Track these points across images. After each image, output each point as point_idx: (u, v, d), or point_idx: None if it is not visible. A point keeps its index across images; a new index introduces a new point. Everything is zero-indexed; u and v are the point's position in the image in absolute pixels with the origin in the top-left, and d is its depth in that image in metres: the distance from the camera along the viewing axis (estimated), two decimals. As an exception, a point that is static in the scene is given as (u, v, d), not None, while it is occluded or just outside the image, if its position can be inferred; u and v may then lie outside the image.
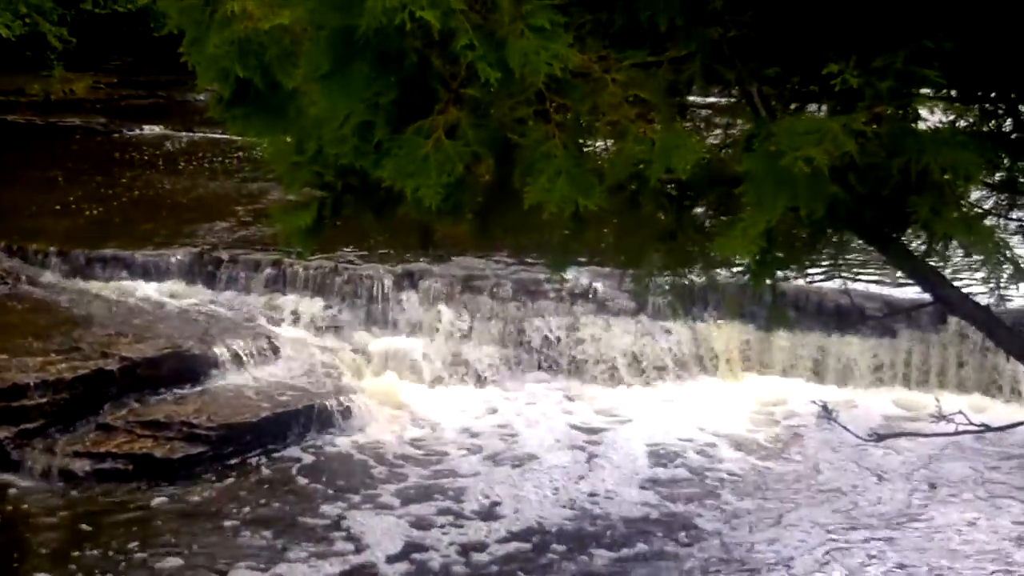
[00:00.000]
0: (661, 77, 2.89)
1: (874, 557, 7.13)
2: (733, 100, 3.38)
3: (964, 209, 2.83)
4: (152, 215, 13.05)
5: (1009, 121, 3.30)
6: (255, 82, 3.08)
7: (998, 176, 3.45)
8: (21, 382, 8.18)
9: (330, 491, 7.86)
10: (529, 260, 10.63)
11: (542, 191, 2.67)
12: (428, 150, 2.67)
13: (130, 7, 21.16)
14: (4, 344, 8.78)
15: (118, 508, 7.50)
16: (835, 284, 9.58)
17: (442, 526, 7.42)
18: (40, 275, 10.97)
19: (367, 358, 10.03)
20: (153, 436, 8.13)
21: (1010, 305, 3.45)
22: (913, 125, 2.68)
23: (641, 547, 7.22)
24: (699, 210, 3.46)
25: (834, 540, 7.34)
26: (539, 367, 10.16)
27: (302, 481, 8.01)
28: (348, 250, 10.98)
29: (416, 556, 7.01)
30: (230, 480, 7.94)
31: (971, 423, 3.92)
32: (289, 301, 10.59)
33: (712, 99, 3.51)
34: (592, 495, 7.94)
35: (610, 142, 2.88)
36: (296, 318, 10.44)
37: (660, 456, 8.64)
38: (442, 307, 10.39)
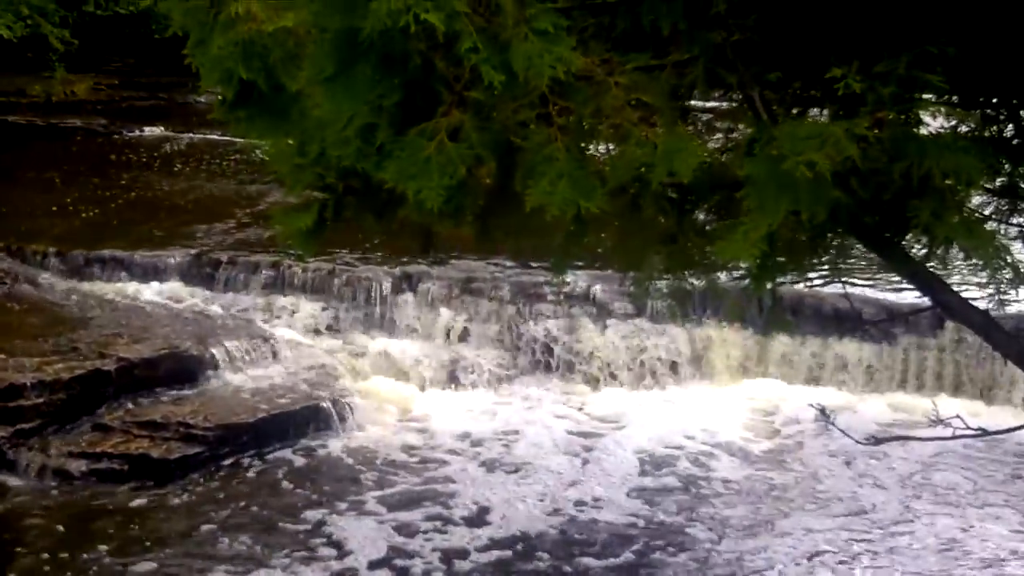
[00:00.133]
0: (664, 81, 2.89)
1: (868, 565, 7.11)
2: (735, 104, 3.38)
3: (965, 214, 2.83)
4: (151, 216, 13.05)
5: (1010, 126, 3.31)
6: (259, 84, 3.08)
7: (999, 181, 3.45)
8: (18, 382, 8.18)
9: (314, 496, 7.80)
10: (528, 263, 10.63)
11: (544, 194, 2.67)
12: (431, 152, 2.67)
13: (132, 9, 21.20)
14: (1, 344, 8.78)
15: (110, 508, 7.48)
16: (833, 288, 9.58)
17: (427, 532, 7.36)
18: (38, 275, 10.98)
19: (365, 360, 10.02)
20: (150, 436, 8.14)
21: (1008, 310, 3.46)
22: (915, 130, 2.68)
23: (628, 556, 7.16)
24: (700, 214, 3.46)
25: (828, 546, 7.32)
26: (537, 370, 10.15)
27: (292, 484, 7.97)
28: (346, 252, 10.98)
29: (398, 562, 6.96)
30: (223, 481, 7.92)
31: (968, 427, 3.93)
32: (287, 303, 10.61)
33: (714, 103, 3.51)
34: (582, 502, 7.86)
35: (612, 145, 2.88)
36: (294, 320, 10.45)
37: (655, 461, 8.62)
38: (441, 309, 10.39)
